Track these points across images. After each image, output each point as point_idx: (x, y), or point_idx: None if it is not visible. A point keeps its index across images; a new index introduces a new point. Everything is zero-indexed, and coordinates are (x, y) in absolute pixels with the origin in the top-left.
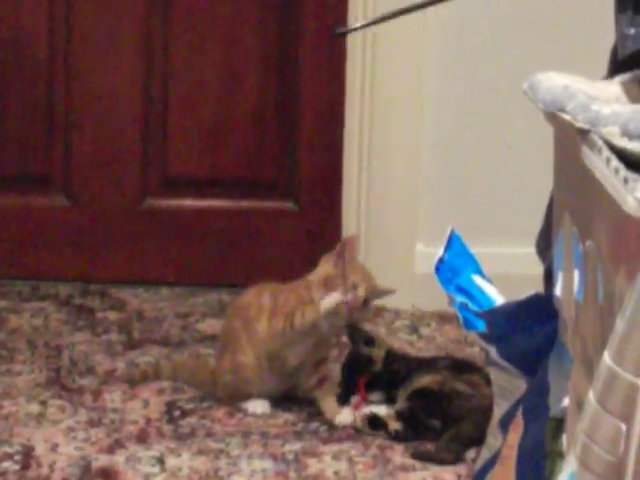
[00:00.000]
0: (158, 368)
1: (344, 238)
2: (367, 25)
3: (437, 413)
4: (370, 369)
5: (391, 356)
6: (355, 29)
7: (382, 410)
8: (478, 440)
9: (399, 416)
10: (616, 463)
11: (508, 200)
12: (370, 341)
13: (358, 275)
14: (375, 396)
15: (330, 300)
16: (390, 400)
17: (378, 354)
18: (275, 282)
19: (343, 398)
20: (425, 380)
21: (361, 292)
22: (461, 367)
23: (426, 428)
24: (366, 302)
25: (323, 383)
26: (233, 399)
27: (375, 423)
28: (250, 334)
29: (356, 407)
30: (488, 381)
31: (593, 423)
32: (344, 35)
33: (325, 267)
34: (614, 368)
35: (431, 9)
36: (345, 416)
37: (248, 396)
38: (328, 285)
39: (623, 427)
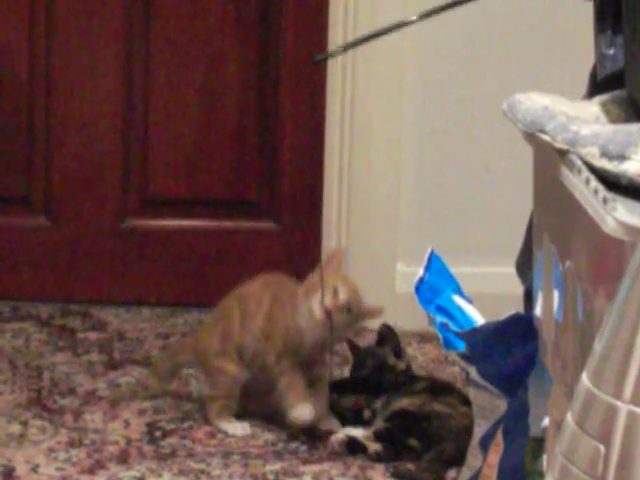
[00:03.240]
0: (147, 384)
1: (331, 250)
2: (344, 50)
3: (417, 434)
4: (391, 379)
5: (409, 372)
6: (333, 55)
7: (358, 432)
8: (459, 460)
9: (377, 437)
10: None
11: (487, 220)
12: (398, 352)
13: (340, 281)
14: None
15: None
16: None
17: (401, 366)
18: (283, 276)
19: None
20: (404, 402)
21: (342, 295)
22: (438, 389)
23: (406, 448)
24: (350, 310)
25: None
26: (217, 413)
27: (353, 447)
28: (244, 325)
29: None
30: (465, 401)
31: (571, 444)
32: (324, 61)
33: (312, 277)
34: (592, 389)
35: (409, 32)
36: (302, 412)
37: (229, 411)
38: (309, 292)
39: (602, 449)
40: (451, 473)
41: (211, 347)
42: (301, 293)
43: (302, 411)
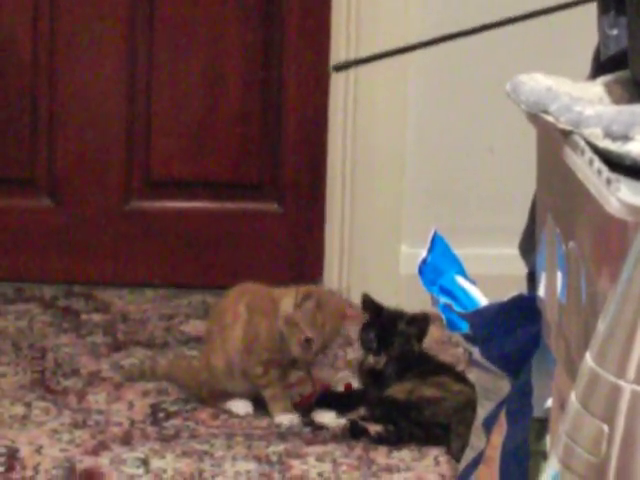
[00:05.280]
0: (155, 366)
1: (305, 290)
2: (364, 61)
3: (407, 421)
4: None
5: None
6: (351, 65)
7: (330, 417)
8: (465, 436)
9: (377, 421)
10: (598, 464)
11: (491, 201)
12: (421, 335)
13: (315, 330)
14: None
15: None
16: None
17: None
18: (255, 284)
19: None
20: (394, 389)
21: (315, 348)
22: (430, 370)
23: (408, 433)
24: (325, 347)
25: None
26: (212, 398)
27: (356, 431)
28: (223, 339)
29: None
30: (459, 379)
31: (575, 424)
32: (341, 70)
33: (289, 303)
34: (596, 369)
35: (413, 13)
36: (288, 417)
37: (226, 395)
38: (289, 326)
39: (605, 428)
40: (433, 451)
41: (199, 373)
42: (281, 317)
43: (287, 420)
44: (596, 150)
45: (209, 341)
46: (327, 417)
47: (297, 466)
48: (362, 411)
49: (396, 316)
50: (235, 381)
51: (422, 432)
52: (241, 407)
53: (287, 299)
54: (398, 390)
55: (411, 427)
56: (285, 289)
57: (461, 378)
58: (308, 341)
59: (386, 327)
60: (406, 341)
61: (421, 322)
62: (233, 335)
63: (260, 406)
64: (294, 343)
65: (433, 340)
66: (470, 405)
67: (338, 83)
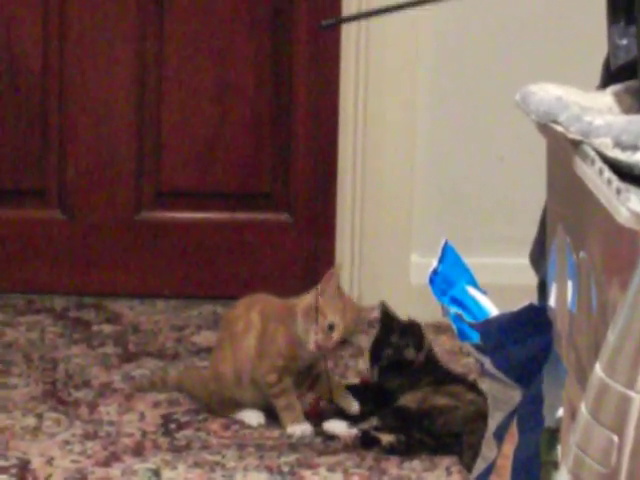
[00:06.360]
0: (166, 377)
1: (329, 271)
2: (353, 19)
3: (419, 430)
4: (407, 372)
5: (430, 364)
6: (342, 21)
7: (341, 426)
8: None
9: (389, 430)
10: (608, 475)
11: (501, 211)
12: (418, 344)
13: (337, 315)
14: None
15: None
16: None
17: (420, 359)
18: (266, 294)
19: (376, 400)
20: (406, 398)
21: (337, 335)
22: (444, 379)
23: (420, 443)
24: (344, 342)
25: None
26: (223, 408)
27: (367, 441)
28: (234, 348)
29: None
30: (472, 388)
31: (585, 435)
32: (331, 27)
33: (311, 296)
34: (605, 380)
35: (424, 20)
36: (300, 428)
37: (238, 405)
38: (308, 315)
39: (615, 439)
40: (445, 461)
41: (208, 382)
42: (300, 311)
43: (299, 431)
44: (606, 160)
45: (218, 350)
46: (338, 427)
47: (308, 477)
48: (374, 420)
49: (389, 327)
50: (243, 390)
51: (434, 441)
52: (253, 418)
53: (307, 296)
54: (410, 399)
55: (423, 436)
56: (299, 296)
57: (473, 387)
58: (331, 327)
59: (378, 339)
60: (395, 352)
61: (413, 330)
62: (245, 344)
63: (271, 416)
64: (313, 333)
65: (444, 350)
66: (482, 415)
67: (348, 95)
